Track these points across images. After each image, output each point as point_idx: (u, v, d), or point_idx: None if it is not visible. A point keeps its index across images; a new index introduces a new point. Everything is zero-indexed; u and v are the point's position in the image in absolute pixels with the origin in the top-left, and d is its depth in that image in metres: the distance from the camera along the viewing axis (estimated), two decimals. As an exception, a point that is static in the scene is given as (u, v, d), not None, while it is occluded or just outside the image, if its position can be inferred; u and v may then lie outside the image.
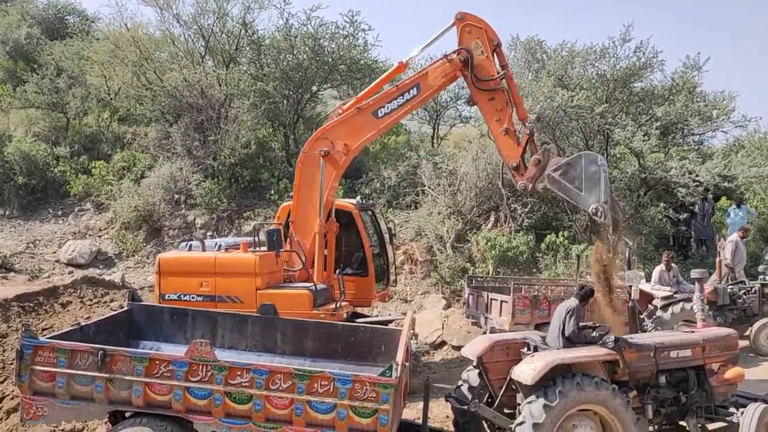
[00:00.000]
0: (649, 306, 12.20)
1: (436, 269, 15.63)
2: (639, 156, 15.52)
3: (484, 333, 11.65)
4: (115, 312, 8.02)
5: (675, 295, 11.82)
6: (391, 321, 10.83)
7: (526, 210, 16.18)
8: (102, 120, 21.90)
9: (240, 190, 18.36)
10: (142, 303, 8.50)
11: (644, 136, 14.71)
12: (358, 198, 12.24)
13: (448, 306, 14.48)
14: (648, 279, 12.51)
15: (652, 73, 16.33)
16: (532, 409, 6.58)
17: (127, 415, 6.34)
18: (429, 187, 17.54)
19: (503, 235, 15.69)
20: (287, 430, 5.91)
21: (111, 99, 21.85)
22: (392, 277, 12.43)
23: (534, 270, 15.18)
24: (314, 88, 20.38)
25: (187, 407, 5.96)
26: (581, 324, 7.43)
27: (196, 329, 8.02)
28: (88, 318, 12.02)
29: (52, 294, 12.63)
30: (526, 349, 7.38)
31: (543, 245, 15.43)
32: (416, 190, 18.13)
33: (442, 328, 13.33)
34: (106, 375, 5.94)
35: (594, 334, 7.43)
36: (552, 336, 7.49)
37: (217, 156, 18.43)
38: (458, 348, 12.82)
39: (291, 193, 10.68)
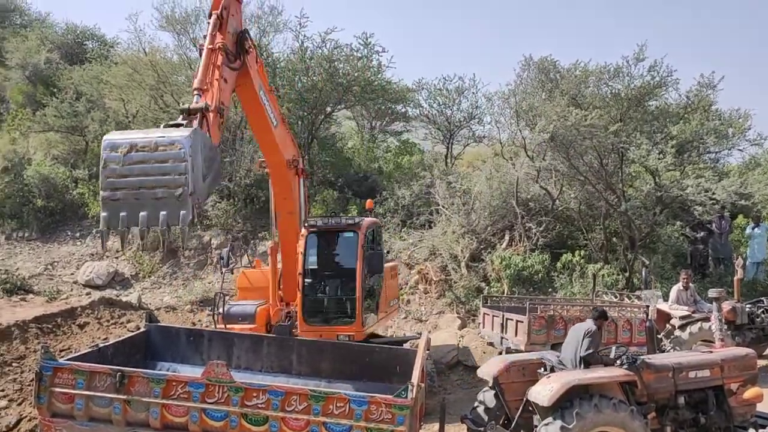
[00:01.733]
0: (667, 326, 12.07)
1: (451, 289, 15.58)
2: (654, 174, 15.45)
3: (500, 353, 11.58)
4: (133, 333, 8.06)
5: (693, 315, 11.69)
6: (405, 341, 10.80)
7: (541, 229, 16.14)
8: (120, 142, 22.17)
9: (255, 210, 18.47)
10: (159, 324, 8.54)
11: (659, 154, 14.65)
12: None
13: (463, 326, 14.41)
14: (665, 298, 12.39)
15: (667, 92, 16.30)
16: (549, 431, 6.51)
17: None
18: (443, 207, 17.56)
19: (518, 254, 15.64)
20: None
21: (129, 122, 22.12)
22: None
23: (549, 289, 15.10)
24: (328, 109, 20.56)
25: (203, 429, 5.96)
26: (599, 347, 7.39)
27: (212, 350, 8.06)
28: (106, 339, 12.11)
29: (69, 315, 12.73)
30: (542, 369, 7.33)
31: (559, 264, 15.35)
32: (430, 209, 18.15)
33: (457, 348, 13.26)
34: (124, 397, 5.96)
35: (612, 355, 7.37)
36: (568, 356, 7.43)
37: (233, 177, 18.58)
38: (473, 368, 12.73)
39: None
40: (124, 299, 14.62)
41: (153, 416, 5.97)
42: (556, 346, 10.11)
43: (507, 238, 16.75)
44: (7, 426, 8.99)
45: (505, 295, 14.24)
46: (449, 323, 14.49)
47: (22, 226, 19.36)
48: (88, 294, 15.80)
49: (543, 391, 6.70)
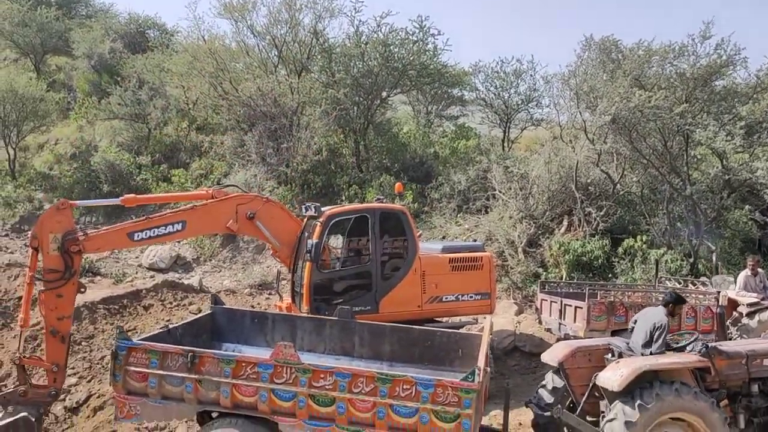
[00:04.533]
0: (734, 313, 11.66)
1: (508, 274, 15.42)
2: (722, 157, 14.90)
3: (558, 339, 11.42)
4: (200, 315, 8.25)
5: (762, 302, 11.24)
6: (462, 326, 10.76)
7: (601, 213, 15.77)
8: (181, 129, 22.74)
9: (312, 196, 18.65)
10: (225, 306, 8.73)
11: (727, 135, 14.10)
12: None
13: (519, 312, 14.25)
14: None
15: (735, 71, 15.63)
16: (625, 408, 6.44)
17: (214, 415, 6.50)
18: (500, 191, 17.35)
19: (577, 240, 15.33)
20: None
21: (189, 109, 22.63)
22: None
23: (609, 275, 14.77)
24: (384, 94, 20.53)
25: (272, 409, 6.07)
26: (668, 339, 7.21)
27: (276, 332, 8.18)
28: (169, 320, 12.48)
29: (135, 297, 13.17)
30: (610, 355, 7.24)
31: (620, 250, 14.99)
32: (487, 194, 17.96)
33: (514, 334, 13.14)
34: (196, 376, 6.10)
35: (682, 342, 7.21)
36: (637, 344, 7.29)
37: (290, 163, 18.79)
38: (530, 354, 12.60)
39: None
40: (185, 282, 15.01)
41: (224, 395, 6.10)
42: (616, 333, 9.90)
43: (565, 223, 16.44)
44: (77, 402, 9.39)
45: (563, 280, 14.01)
46: (506, 309, 14.35)
47: (90, 211, 20.05)
48: (151, 277, 16.29)
49: (613, 376, 6.63)
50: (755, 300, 11.33)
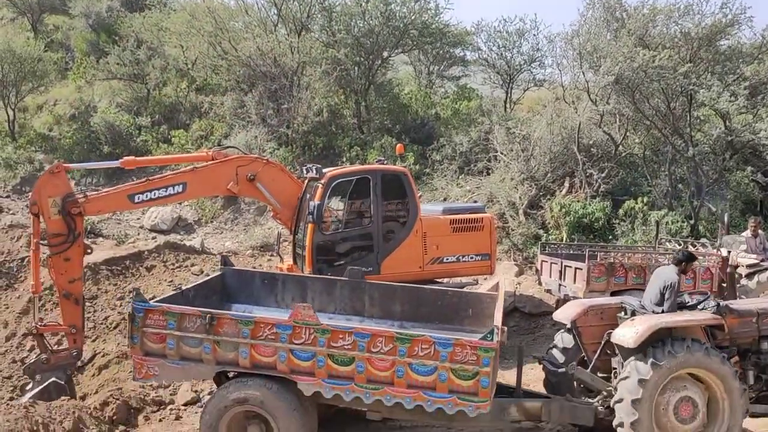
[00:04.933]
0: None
1: (508, 236, 15.46)
2: (725, 118, 14.79)
3: (557, 300, 11.53)
4: (210, 276, 8.25)
5: (761, 263, 11.30)
6: (462, 287, 10.83)
7: (603, 175, 15.74)
8: (180, 90, 22.55)
9: (313, 157, 18.60)
10: (234, 267, 8.75)
11: (731, 96, 13.97)
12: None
13: (520, 273, 14.33)
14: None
15: (740, 30, 15.40)
16: (638, 366, 6.54)
17: (231, 375, 6.58)
18: (501, 153, 17.28)
19: (578, 201, 15.33)
20: (389, 391, 6.06)
21: (188, 69, 22.41)
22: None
23: (610, 237, 14.81)
24: (385, 54, 20.31)
25: (291, 368, 6.14)
26: (679, 298, 7.29)
27: (287, 292, 8.21)
28: (171, 282, 12.57)
29: (137, 258, 13.22)
30: (623, 313, 7.32)
31: (621, 211, 15.00)
32: (488, 156, 17.89)
33: (514, 295, 13.23)
34: (214, 337, 6.15)
35: (692, 301, 7.30)
36: (649, 302, 7.38)
37: (291, 124, 18.69)
38: (530, 315, 12.72)
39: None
40: (187, 244, 15.07)
41: (242, 356, 6.15)
42: (616, 294, 9.97)
43: (567, 184, 16.42)
44: (81, 361, 9.49)
45: (563, 242, 14.06)
46: (506, 270, 14.42)
47: (90, 173, 20.03)
48: (153, 238, 16.36)
49: (628, 333, 6.71)
50: (755, 261, 11.39)
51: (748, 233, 11.73)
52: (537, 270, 12.47)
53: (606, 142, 16.61)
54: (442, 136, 19.14)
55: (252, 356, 6.15)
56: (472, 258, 10.75)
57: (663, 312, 7.15)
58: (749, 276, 11.34)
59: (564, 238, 14.59)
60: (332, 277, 8.47)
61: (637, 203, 14.92)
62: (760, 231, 11.77)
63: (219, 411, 6.21)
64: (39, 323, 8.38)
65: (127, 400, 8.07)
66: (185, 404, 8.40)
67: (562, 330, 7.80)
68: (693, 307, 7.25)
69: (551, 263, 11.66)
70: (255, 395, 6.15)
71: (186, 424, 7.89)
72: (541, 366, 7.82)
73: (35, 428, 6.63)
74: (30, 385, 8.16)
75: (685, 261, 7.52)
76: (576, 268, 10.91)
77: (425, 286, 8.44)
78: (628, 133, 16.47)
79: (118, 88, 22.89)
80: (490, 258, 10.87)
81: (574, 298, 10.87)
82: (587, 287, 10.60)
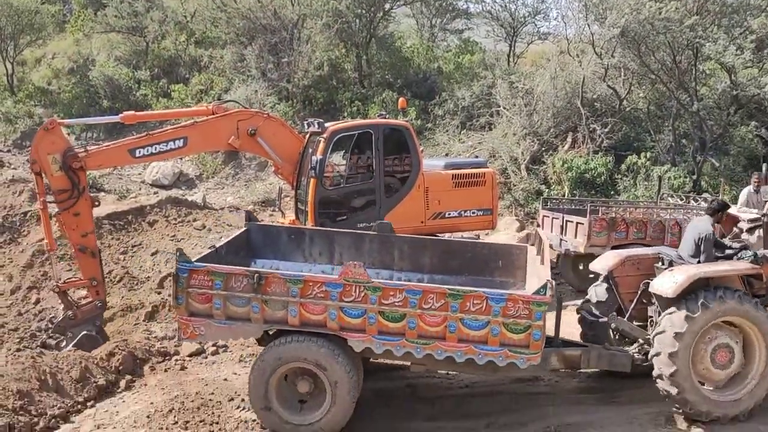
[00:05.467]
0: (734, 229, 11.72)
1: (510, 191, 15.45)
2: (730, 72, 14.61)
3: (558, 255, 11.58)
4: (237, 232, 8.19)
5: (763, 218, 11.29)
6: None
7: (606, 130, 15.65)
8: (179, 43, 22.26)
9: (314, 112, 18.47)
10: (260, 223, 8.70)
11: (737, 50, 13.78)
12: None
13: (521, 228, 14.36)
14: (736, 201, 11.98)
15: (749, -18, 15.16)
16: (673, 320, 6.64)
17: (271, 332, 6.56)
18: (504, 108, 17.14)
19: (581, 157, 15.27)
20: (440, 346, 6.09)
21: (187, 22, 22.09)
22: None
23: (612, 192, 14.80)
24: (387, 6, 20.01)
25: (341, 326, 6.14)
26: (714, 250, 7.31)
27: (314, 247, 8.19)
28: (174, 236, 12.61)
29: (139, 213, 13.21)
30: (660, 263, 7.39)
31: (623, 167, 14.95)
32: (491, 110, 17.75)
33: (516, 249, 13.27)
34: (263, 296, 6.13)
35: (729, 251, 7.34)
36: (685, 254, 7.42)
37: (291, 78, 18.49)
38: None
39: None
40: (189, 199, 15.06)
41: (291, 314, 6.13)
42: (617, 249, 9.99)
43: (570, 140, 16.34)
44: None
45: (565, 197, 14.05)
46: (508, 225, 14.46)
47: (90, 127, 19.92)
48: (155, 193, 16.36)
49: (667, 283, 6.77)
50: (756, 216, 11.37)
51: (750, 188, 11.70)
52: (538, 225, 12.49)
53: (610, 97, 16.46)
54: (444, 90, 18.96)
55: (301, 314, 6.14)
56: (473, 213, 10.74)
57: (699, 263, 7.21)
58: (750, 231, 11.33)
59: (566, 194, 14.58)
60: (361, 231, 8.43)
61: (639, 159, 14.86)
62: (762, 186, 11.73)
63: (271, 367, 6.25)
64: (59, 281, 8.44)
65: (133, 350, 8.16)
66: (190, 355, 8.48)
67: (595, 284, 7.90)
68: (730, 257, 7.28)
69: (552, 218, 11.68)
70: (308, 352, 6.20)
71: (191, 374, 7.98)
72: (578, 317, 7.91)
73: (43, 377, 6.73)
74: (64, 342, 8.29)
75: (720, 210, 7.53)
76: (577, 223, 10.95)
77: (454, 239, 8.42)
78: (632, 88, 16.32)
79: (116, 41, 22.61)
80: (491, 213, 10.87)
81: (576, 253, 10.92)
82: (588, 242, 10.64)
